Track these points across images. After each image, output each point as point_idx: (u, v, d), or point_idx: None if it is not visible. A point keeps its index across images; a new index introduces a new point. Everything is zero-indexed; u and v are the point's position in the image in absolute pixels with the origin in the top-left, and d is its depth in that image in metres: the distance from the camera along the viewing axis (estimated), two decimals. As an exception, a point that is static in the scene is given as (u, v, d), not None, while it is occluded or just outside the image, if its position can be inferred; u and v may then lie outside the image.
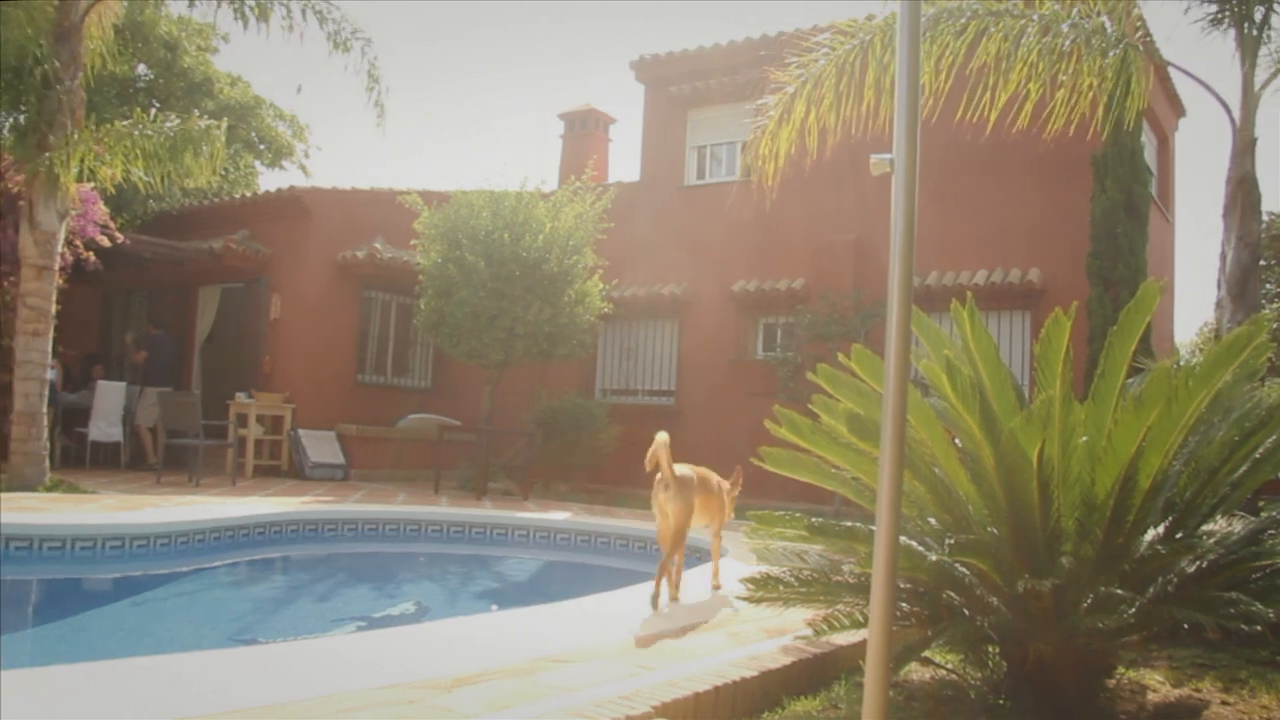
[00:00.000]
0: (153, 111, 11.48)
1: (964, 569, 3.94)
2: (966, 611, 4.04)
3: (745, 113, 15.11)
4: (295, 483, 13.80)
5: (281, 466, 15.14)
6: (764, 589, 4.39)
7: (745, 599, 4.50)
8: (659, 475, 6.06)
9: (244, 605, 7.87)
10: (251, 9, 11.32)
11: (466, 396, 16.83)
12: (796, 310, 14.31)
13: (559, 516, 10.94)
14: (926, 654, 4.17)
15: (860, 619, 4.15)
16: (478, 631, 5.47)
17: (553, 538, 10.47)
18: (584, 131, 19.37)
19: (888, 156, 3.04)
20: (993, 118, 7.17)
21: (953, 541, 3.71)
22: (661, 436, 6.00)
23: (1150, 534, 4.00)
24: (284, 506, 10.22)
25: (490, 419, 14.40)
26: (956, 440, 4.19)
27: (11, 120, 11.09)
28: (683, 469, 6.20)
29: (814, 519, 4.18)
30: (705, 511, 6.50)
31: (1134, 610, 3.56)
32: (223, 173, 12.48)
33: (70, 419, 14.48)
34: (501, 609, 8.03)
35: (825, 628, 4.23)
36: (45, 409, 11.02)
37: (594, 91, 62.11)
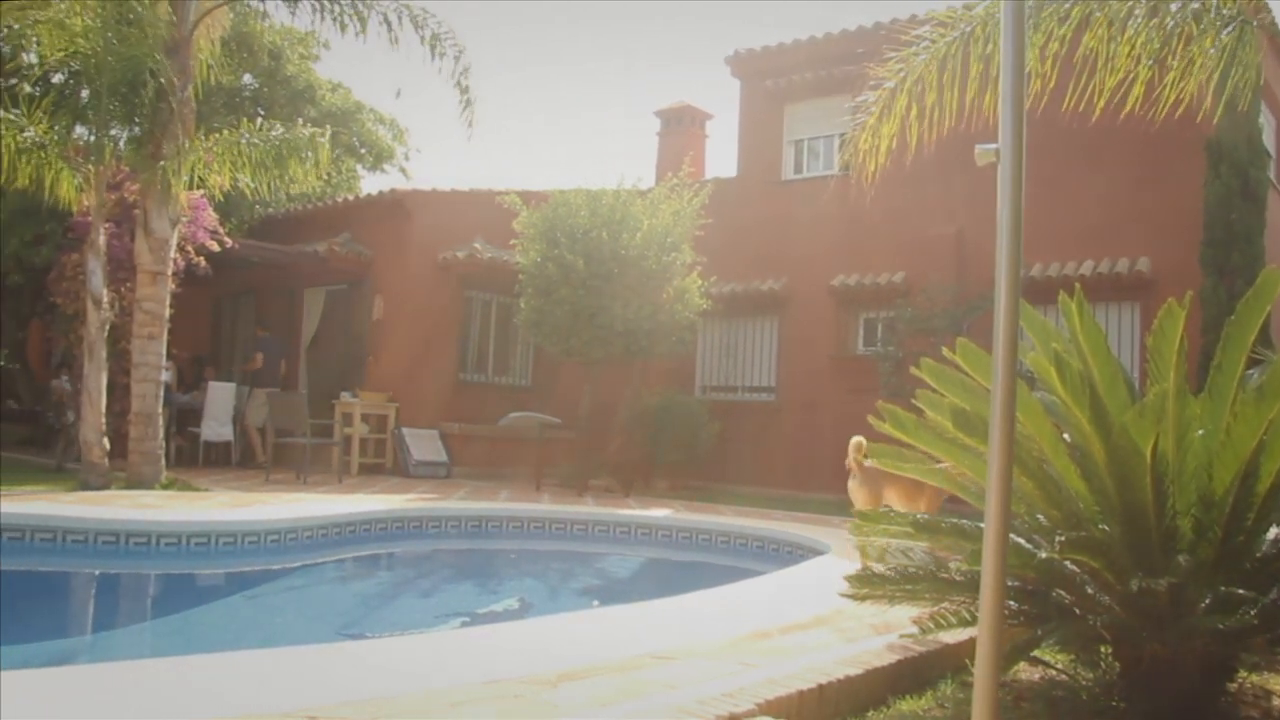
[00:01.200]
0: (258, 120, 11.70)
1: (1074, 567, 3.85)
2: (1077, 610, 3.95)
3: (842, 105, 14.94)
4: (399, 480, 14.02)
5: (386, 465, 15.40)
6: (868, 586, 4.34)
7: (849, 596, 4.45)
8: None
9: (351, 600, 8.02)
10: (350, 17, 11.52)
11: (567, 394, 16.93)
12: (897, 304, 14.13)
13: (660, 513, 10.95)
14: (1036, 653, 4.09)
15: (968, 617, 4.08)
16: (581, 628, 5.50)
17: (654, 535, 10.48)
18: (680, 128, 19.35)
19: (993, 146, 2.98)
20: (1099, 104, 6.98)
21: (1063, 539, 3.62)
22: (855, 440, 6.95)
23: (1274, 532, 3.87)
24: (389, 504, 10.38)
25: (590, 416, 14.46)
26: (1065, 435, 4.10)
27: (128, 132, 11.42)
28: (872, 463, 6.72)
29: (918, 516, 4.12)
30: (904, 499, 7.07)
31: (1257, 611, 3.44)
32: (326, 177, 12.72)
33: (183, 419, 14.90)
34: (603, 606, 8.06)
35: (932, 626, 4.17)
36: (160, 410, 11.33)
37: (689, 88, 61.99)
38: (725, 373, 16.78)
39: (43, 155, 10.69)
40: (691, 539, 10.34)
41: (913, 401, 4.43)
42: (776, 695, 3.68)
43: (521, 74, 52.70)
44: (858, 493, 7.00)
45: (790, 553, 9.23)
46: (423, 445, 15.21)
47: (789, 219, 16.01)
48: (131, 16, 10.74)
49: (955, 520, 3.96)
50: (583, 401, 14.67)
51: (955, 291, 13.45)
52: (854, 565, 4.81)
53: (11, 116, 10.50)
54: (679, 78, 54.46)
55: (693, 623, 5.28)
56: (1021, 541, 3.85)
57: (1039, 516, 4.24)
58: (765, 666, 4.15)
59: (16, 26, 10.87)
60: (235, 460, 15.19)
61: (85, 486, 10.56)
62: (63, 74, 16.86)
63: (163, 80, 10.94)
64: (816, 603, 5.72)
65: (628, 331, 13.45)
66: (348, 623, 7.08)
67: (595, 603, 8.41)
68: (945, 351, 4.32)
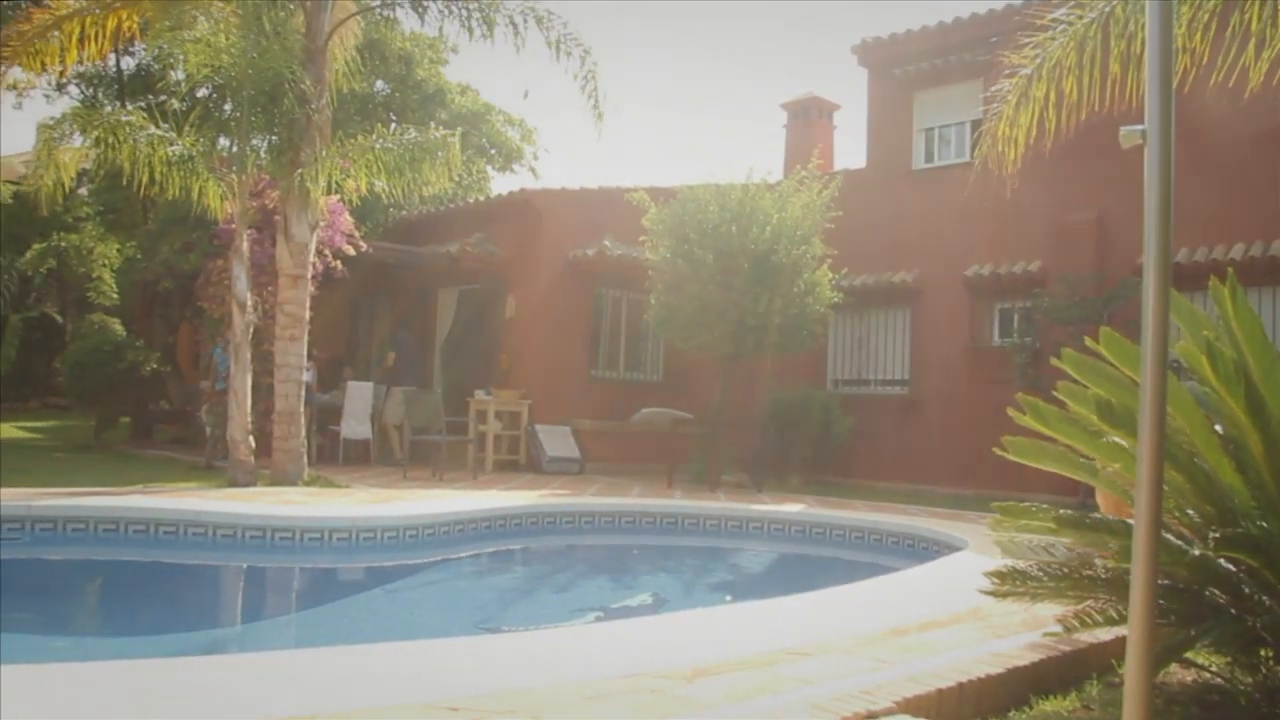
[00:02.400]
0: (391, 125, 11.99)
1: (1230, 565, 3.69)
2: (1234, 611, 3.78)
3: (974, 91, 14.66)
4: (533, 476, 14.20)
5: (520, 461, 15.61)
6: (1010, 583, 4.23)
7: (990, 593, 4.35)
8: None
9: (487, 595, 8.14)
10: (478, 21, 11.69)
11: (698, 390, 16.94)
12: (1034, 294, 13.77)
13: (793, 509, 10.87)
14: (1188, 655, 3.94)
15: (1115, 616, 3.94)
16: (716, 623, 5.48)
17: (787, 530, 10.41)
18: (807, 120, 19.19)
19: (1139, 128, 2.86)
20: (1254, 78, 6.66)
21: (1217, 535, 3.47)
22: None
23: None
24: (523, 500, 10.51)
25: (722, 412, 14.44)
26: (1217, 427, 3.93)
27: (268, 142, 11.78)
28: None
29: (1061, 511, 4.00)
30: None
31: None
32: (457, 179, 12.94)
33: (324, 418, 15.33)
34: (737, 601, 8.04)
35: (1077, 624, 4.04)
36: (302, 409, 11.67)
37: (816, 79, 61.48)
38: (857, 366, 16.59)
39: (190, 167, 11.10)
40: (825, 534, 10.24)
41: (1053, 393, 4.30)
42: (915, 693, 3.61)
43: (647, 71, 52.88)
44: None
45: (926, 548, 9.08)
46: (556, 442, 15.37)
47: (920, 209, 15.74)
48: (269, 30, 11.07)
49: (1100, 515, 3.83)
50: (714, 397, 14.65)
51: (1096, 279, 13.04)
52: (993, 561, 4.68)
53: (162, 132, 10.92)
54: (805, 70, 54.03)
55: (828, 619, 5.22)
56: (1172, 538, 3.71)
57: (1190, 512, 4.07)
58: (903, 664, 4.08)
59: (166, 47, 11.30)
60: (373, 458, 15.57)
61: (232, 484, 10.93)
62: (207, 89, 17.50)
63: (300, 90, 11.26)
64: (954, 599, 5.61)
65: (758, 326, 13.38)
66: (484, 617, 7.18)
67: (728, 598, 8.39)
68: (1088, 341, 4.18)
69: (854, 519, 10.23)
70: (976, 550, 7.71)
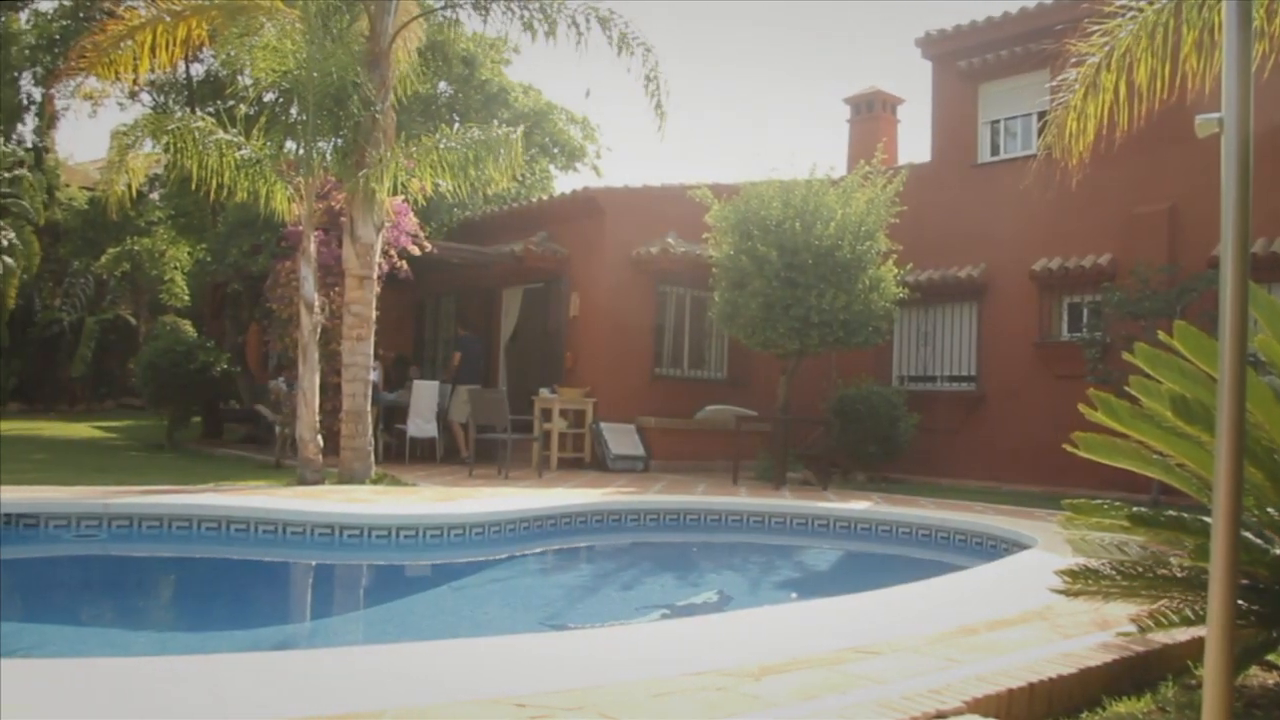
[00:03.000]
0: (455, 125, 12.07)
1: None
2: (1315, 610, 3.70)
3: (1041, 82, 14.43)
4: (598, 474, 14.23)
5: (585, 458, 15.65)
6: (1081, 581, 4.16)
7: (1061, 592, 4.28)
8: None
9: (553, 592, 8.17)
10: (539, 20, 11.73)
11: (762, 386, 16.88)
12: (1104, 288, 13.53)
13: (859, 506, 10.79)
14: (1269, 657, 3.84)
15: (1191, 616, 3.86)
16: (782, 621, 5.45)
17: (853, 528, 10.34)
18: (870, 115, 19.04)
19: (1216, 116, 2.79)
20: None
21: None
22: None
23: None
24: (588, 497, 10.54)
25: (787, 408, 14.38)
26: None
27: (333, 144, 11.93)
28: None
29: (1134, 508, 3.93)
30: None
31: None
32: (520, 178, 13.00)
33: (390, 416, 15.48)
34: (803, 599, 8.00)
35: (1151, 624, 3.96)
36: (369, 408, 11.79)
37: (879, 73, 60.95)
38: (923, 362, 16.43)
39: (258, 170, 11.26)
40: (891, 532, 10.15)
41: (1125, 389, 4.22)
42: (985, 693, 3.57)
43: (708, 67, 52.78)
44: None
45: (994, 546, 8.97)
46: (620, 439, 15.40)
47: (987, 202, 15.55)
48: (334, 35, 11.20)
49: (1175, 513, 3.75)
50: (778, 394, 14.60)
51: (1168, 272, 12.80)
52: (1063, 559, 4.61)
53: (230, 136, 11.09)
54: (868, 64, 53.61)
55: (896, 617, 5.17)
56: (1251, 536, 3.62)
57: (1270, 510, 3.98)
58: (972, 663, 4.03)
59: (234, 53, 11.48)
60: (439, 456, 15.70)
61: (301, 482, 11.08)
62: (273, 93, 17.75)
63: (364, 93, 11.38)
64: (1024, 598, 5.53)
65: (823, 322, 13.31)
66: (550, 614, 7.20)
67: (794, 595, 8.34)
68: (1161, 335, 4.09)
69: (921, 516, 10.14)
70: (1046, 548, 7.61)
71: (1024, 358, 14.84)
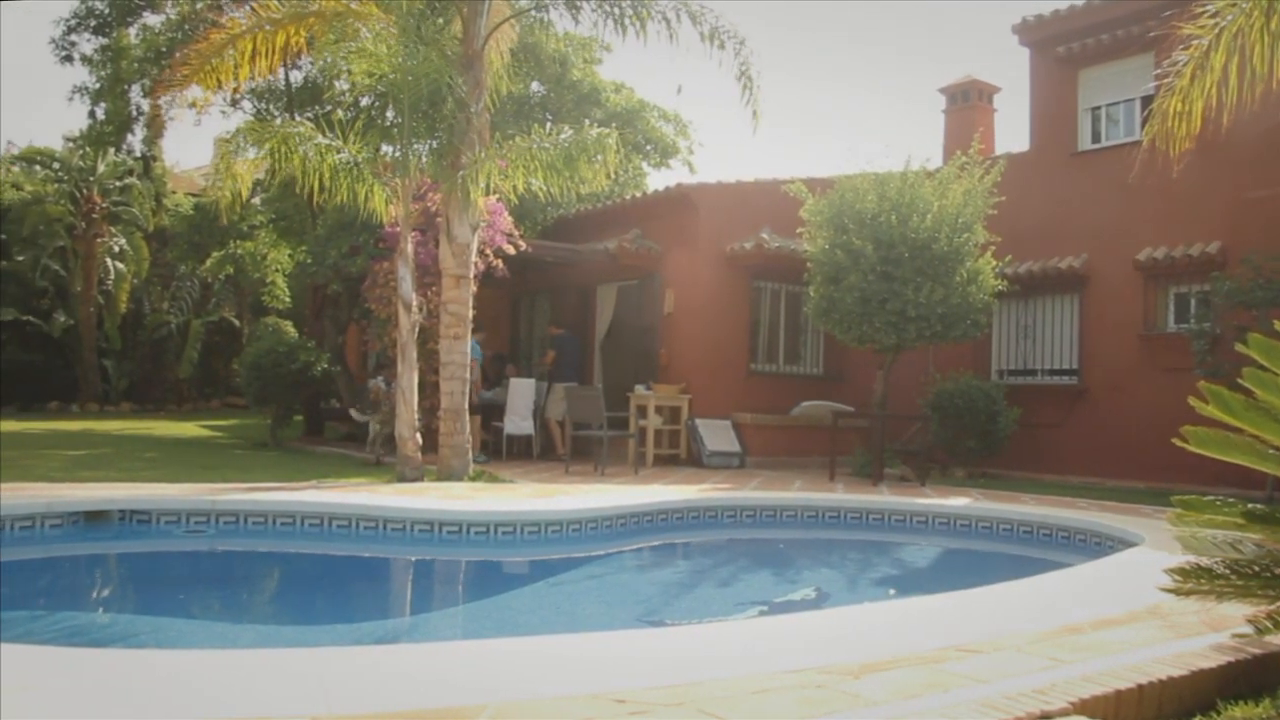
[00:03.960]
0: (548, 125, 12.14)
1: None
2: None
3: (1145, 66, 14.08)
4: (693, 471, 14.22)
5: (680, 455, 15.66)
6: (1193, 580, 4.05)
7: (1170, 591, 4.17)
8: None
9: (650, 588, 8.18)
10: (630, 19, 11.74)
11: (859, 382, 16.72)
12: (1213, 277, 13.12)
13: (958, 502, 10.63)
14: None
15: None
16: (881, 618, 5.40)
17: (952, 524, 10.19)
18: (966, 104, 18.72)
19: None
20: None
21: None
22: None
23: None
24: (684, 494, 10.53)
25: (884, 404, 14.22)
26: None
27: (429, 146, 12.07)
28: None
29: (1249, 505, 3.81)
30: None
31: None
32: (613, 176, 13.02)
33: (487, 414, 15.64)
34: (902, 596, 7.91)
35: (1270, 625, 3.84)
36: (467, 406, 11.92)
37: (974, 62, 59.99)
38: (1023, 355, 16.11)
39: (356, 173, 11.45)
40: (992, 529, 9.99)
41: (1237, 381, 4.09)
42: (1092, 694, 3.49)
43: (802, 59, 52.42)
44: None
45: (1099, 544, 8.78)
46: (716, 436, 15.37)
47: (1088, 191, 15.19)
48: (428, 38, 11.34)
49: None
50: (875, 389, 14.45)
51: (1283, 260, 12.38)
52: (1172, 558, 4.48)
53: (329, 141, 11.30)
54: (963, 53, 52.78)
55: (998, 615, 5.09)
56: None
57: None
58: (1077, 663, 3.95)
59: (331, 59, 11.69)
60: (536, 453, 15.82)
61: (401, 479, 11.25)
62: (370, 97, 18.03)
63: (458, 95, 11.51)
64: (1131, 597, 5.40)
65: (920, 316, 13.14)
66: (647, 610, 7.21)
67: (892, 593, 8.25)
68: (1278, 325, 3.96)
69: (1022, 513, 9.95)
70: (1153, 546, 7.42)
71: (1128, 350, 14.48)
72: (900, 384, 15.22)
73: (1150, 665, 3.90)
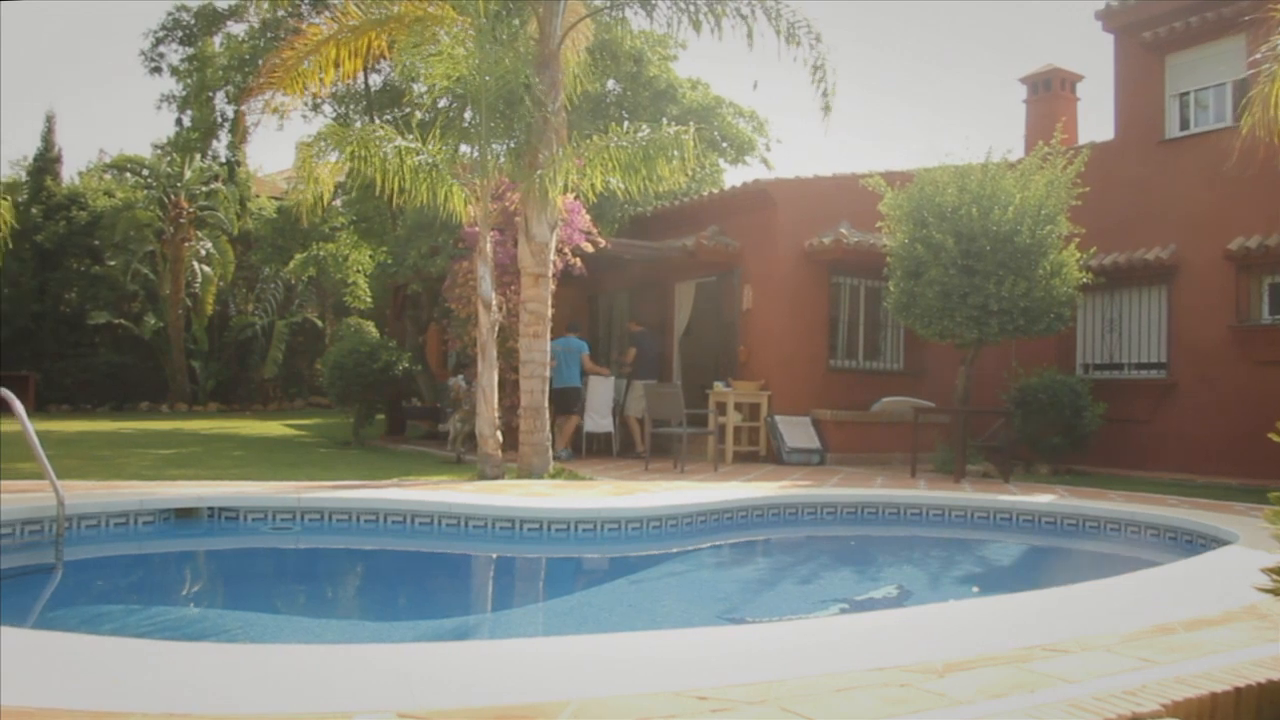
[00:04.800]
0: (624, 123, 12.16)
1: None
2: None
3: (1236, 49, 13.73)
4: (773, 468, 14.16)
5: (760, 452, 15.60)
6: (1291, 579, 3.93)
7: (1269, 591, 4.05)
8: None
9: (729, 585, 8.15)
10: (706, 15, 11.72)
11: (940, 377, 16.53)
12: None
13: (1042, 499, 10.46)
14: None
15: None
16: (965, 616, 5.32)
17: (1037, 522, 10.02)
18: (1048, 94, 18.41)
19: None
20: None
21: None
22: None
23: None
24: (764, 491, 10.49)
25: (966, 399, 14.04)
26: None
27: (507, 146, 12.15)
28: None
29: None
30: None
31: None
32: (691, 174, 13.01)
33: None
34: (985, 594, 7.79)
35: (1374, 625, 3.72)
36: (547, 403, 11.99)
37: (1056, 50, 58.96)
38: (1109, 349, 15.80)
39: (435, 174, 11.56)
40: (1078, 526, 9.80)
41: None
42: (1185, 696, 3.40)
43: (878, 52, 51.91)
44: None
45: (1190, 541, 8.58)
46: (795, 432, 15.30)
47: (1175, 180, 14.85)
48: (504, 39, 11.41)
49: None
50: (957, 384, 14.27)
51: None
52: (1270, 557, 4.36)
53: (408, 143, 11.42)
54: (1044, 41, 51.91)
55: (1085, 614, 4.99)
56: None
57: None
58: (1170, 664, 3.85)
59: (410, 62, 11.82)
60: (616, 450, 15.87)
61: (482, 476, 11.34)
62: (448, 99, 18.21)
63: (535, 95, 11.57)
64: (1226, 596, 5.26)
65: (1002, 310, 12.94)
66: (728, 607, 7.20)
67: (975, 590, 8.14)
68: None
69: (1109, 510, 9.75)
70: (1248, 544, 7.24)
71: (1220, 343, 14.13)
72: (982, 379, 15.01)
73: (1248, 667, 3.80)
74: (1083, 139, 17.02)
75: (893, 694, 3.38)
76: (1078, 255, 13.47)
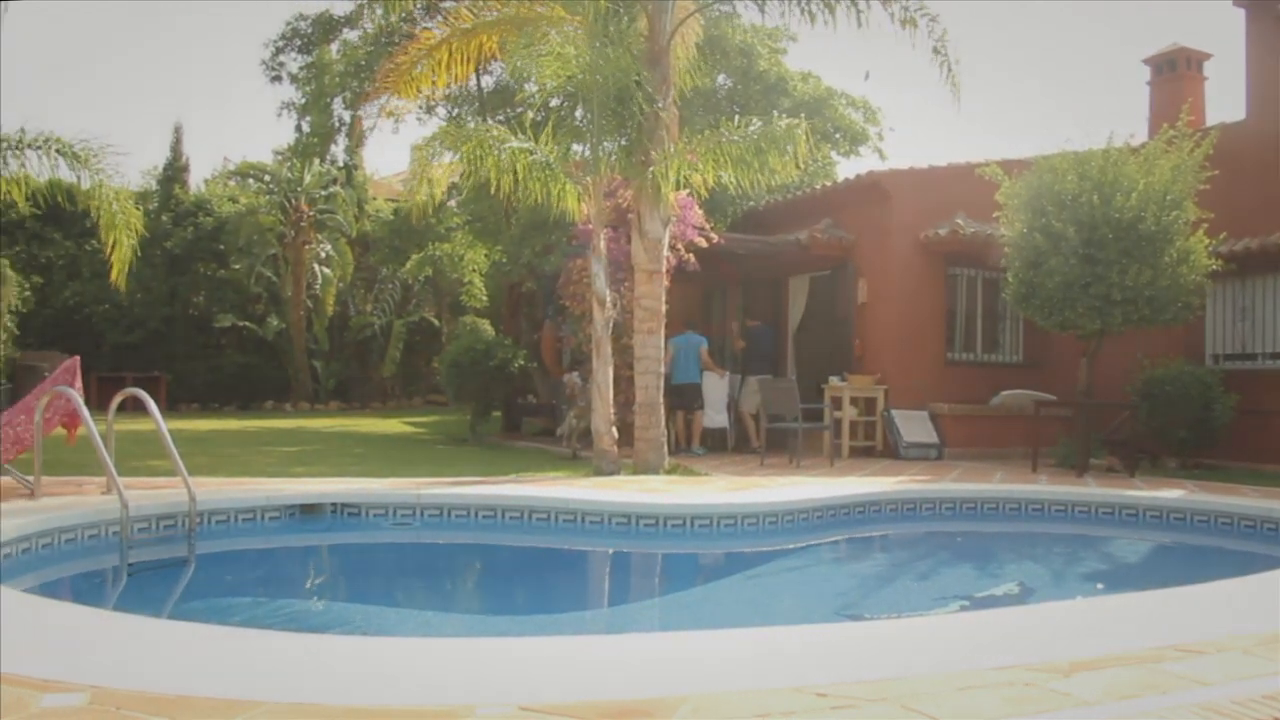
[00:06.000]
0: (735, 118, 12.11)
1: None
2: None
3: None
4: (890, 462, 14.01)
5: (876, 447, 15.44)
6: None
7: None
8: None
9: (847, 582, 8.09)
10: (819, 6, 11.63)
11: (1061, 369, 16.15)
12: None
13: (1171, 494, 10.15)
14: None
15: None
16: (1091, 615, 5.20)
17: (1165, 518, 9.73)
18: (1174, 74, 17.83)
19: None
20: None
21: None
22: None
23: None
24: (881, 486, 10.38)
25: (1088, 392, 13.69)
26: None
27: (618, 143, 12.22)
28: None
29: None
30: None
31: None
32: (803, 167, 12.91)
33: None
34: (1111, 592, 7.60)
35: None
36: (661, 399, 12.03)
37: (1181, 29, 57.15)
38: (1241, 339, 15.24)
39: (548, 173, 11.67)
40: (1209, 523, 9.48)
41: None
42: (1329, 700, 3.28)
43: (995, 36, 50.87)
44: None
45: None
46: (912, 427, 15.10)
47: (1313, 161, 14.25)
48: (614, 37, 11.47)
49: None
50: (1079, 376, 13.92)
51: None
52: None
53: (521, 143, 11.55)
54: (1169, 20, 50.35)
55: (1219, 614, 4.84)
56: None
57: None
58: (1313, 667, 3.71)
59: (521, 63, 11.96)
60: (730, 445, 15.84)
61: (598, 472, 11.42)
62: (559, 98, 18.37)
63: (646, 91, 11.60)
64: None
65: (1126, 300, 12.58)
66: (846, 604, 7.14)
67: (1100, 588, 7.94)
68: None
69: (1243, 506, 9.42)
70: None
71: (1360, 330, 13.54)
72: (1105, 371, 14.60)
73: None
74: (1211, 120, 16.45)
75: (1016, 693, 3.32)
76: (1206, 242, 13.03)
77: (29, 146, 12.68)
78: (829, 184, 18.06)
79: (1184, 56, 17.84)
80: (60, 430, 8.77)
